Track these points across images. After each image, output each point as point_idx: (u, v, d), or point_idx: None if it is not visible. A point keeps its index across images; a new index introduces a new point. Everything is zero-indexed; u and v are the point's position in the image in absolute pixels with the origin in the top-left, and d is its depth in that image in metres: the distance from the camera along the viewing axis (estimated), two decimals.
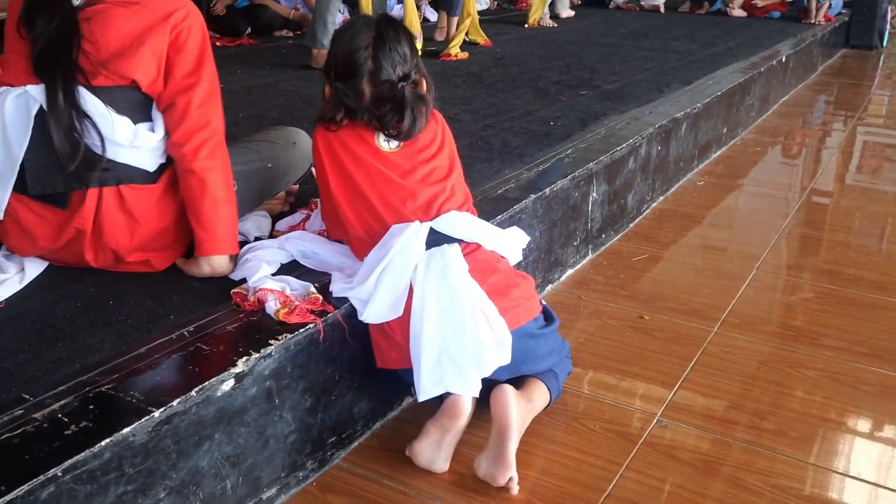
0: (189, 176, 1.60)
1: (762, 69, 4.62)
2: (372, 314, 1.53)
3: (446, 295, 1.52)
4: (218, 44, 4.76)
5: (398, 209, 1.63)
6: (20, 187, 1.57)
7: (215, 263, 1.64)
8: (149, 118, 1.63)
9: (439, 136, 1.74)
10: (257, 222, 1.91)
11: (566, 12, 7.01)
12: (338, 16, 4.27)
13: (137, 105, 1.61)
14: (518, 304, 1.61)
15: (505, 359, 1.54)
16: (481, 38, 5.14)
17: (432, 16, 6.33)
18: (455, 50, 4.65)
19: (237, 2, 5.33)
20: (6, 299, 1.57)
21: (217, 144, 1.63)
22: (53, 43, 1.53)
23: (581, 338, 2.12)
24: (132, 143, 1.57)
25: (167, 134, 1.63)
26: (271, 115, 3.10)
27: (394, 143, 1.68)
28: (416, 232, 1.58)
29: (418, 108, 1.66)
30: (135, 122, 1.60)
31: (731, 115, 4.11)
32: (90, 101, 1.55)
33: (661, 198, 3.24)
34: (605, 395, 1.86)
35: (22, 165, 1.55)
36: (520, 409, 1.56)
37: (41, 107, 1.53)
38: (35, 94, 1.53)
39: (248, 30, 5.18)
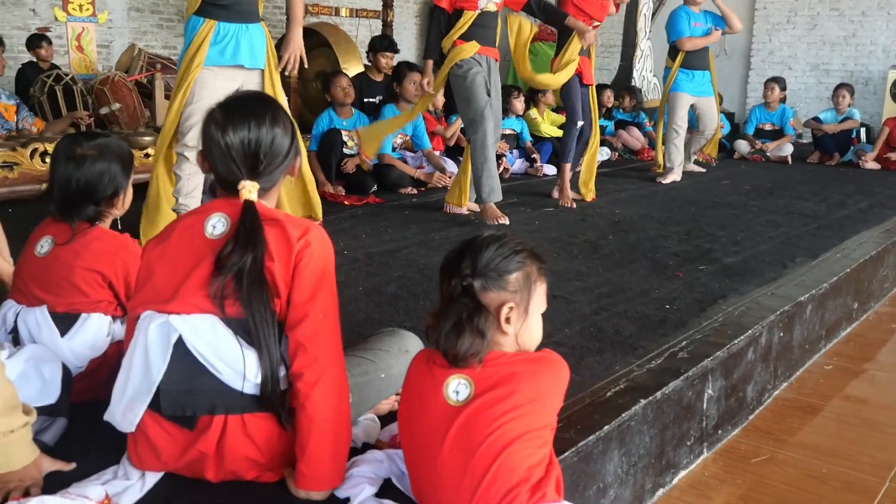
0: (301, 411, 1.64)
1: None
2: None
3: None
4: (346, 203, 5.02)
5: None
6: (153, 404, 1.66)
7: (312, 495, 1.66)
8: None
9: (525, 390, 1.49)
10: (366, 428, 1.94)
11: (691, 167, 6.93)
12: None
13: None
14: None
15: None
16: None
17: (551, 170, 6.47)
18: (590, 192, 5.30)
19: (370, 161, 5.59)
20: None
21: (328, 381, 1.65)
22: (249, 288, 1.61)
23: None
24: (256, 377, 1.63)
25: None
26: (389, 289, 3.21)
27: (465, 394, 1.46)
28: None
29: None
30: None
31: (863, 289, 3.93)
32: (229, 337, 1.64)
33: (785, 384, 3.10)
34: None
35: (158, 387, 1.65)
36: None
37: (180, 336, 1.62)
38: (176, 324, 1.62)
39: (374, 187, 5.43)
